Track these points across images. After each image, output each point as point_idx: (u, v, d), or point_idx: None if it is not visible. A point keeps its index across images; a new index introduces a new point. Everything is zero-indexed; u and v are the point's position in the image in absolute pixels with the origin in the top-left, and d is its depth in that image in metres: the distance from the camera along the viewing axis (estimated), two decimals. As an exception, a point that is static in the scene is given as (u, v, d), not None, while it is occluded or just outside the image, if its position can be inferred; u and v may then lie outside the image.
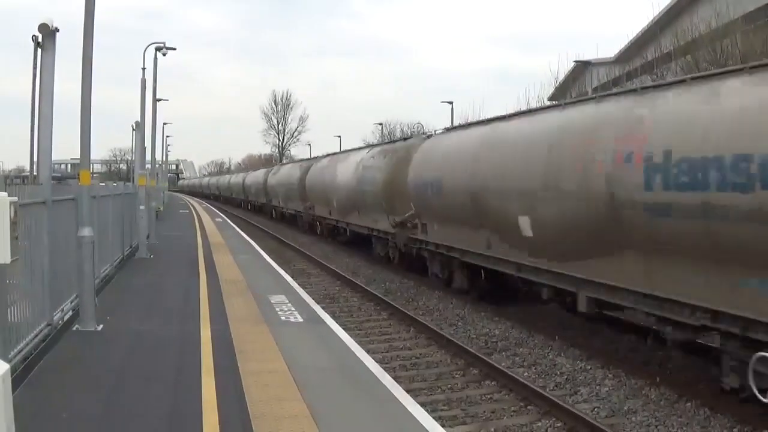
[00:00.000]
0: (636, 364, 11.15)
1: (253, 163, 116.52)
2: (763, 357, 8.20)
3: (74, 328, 10.61)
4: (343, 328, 11.53)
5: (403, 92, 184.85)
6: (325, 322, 11.65)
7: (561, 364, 11.34)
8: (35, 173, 11.53)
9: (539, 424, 8.83)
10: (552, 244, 12.23)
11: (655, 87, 10.74)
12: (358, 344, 10.32)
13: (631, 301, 10.47)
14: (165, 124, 57.70)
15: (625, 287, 10.42)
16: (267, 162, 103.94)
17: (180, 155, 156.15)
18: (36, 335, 9.08)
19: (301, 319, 11.75)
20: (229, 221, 41.56)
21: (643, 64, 33.31)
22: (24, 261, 8.20)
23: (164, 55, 29.26)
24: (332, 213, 29.96)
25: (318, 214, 33.61)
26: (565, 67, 45.56)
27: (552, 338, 12.83)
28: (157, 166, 38.85)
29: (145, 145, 28.52)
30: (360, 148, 32.49)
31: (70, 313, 11.19)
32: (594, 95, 14.09)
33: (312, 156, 51.08)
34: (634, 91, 11.06)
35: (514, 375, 10.44)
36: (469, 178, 15.20)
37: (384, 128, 73.13)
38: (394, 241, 21.07)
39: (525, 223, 12.77)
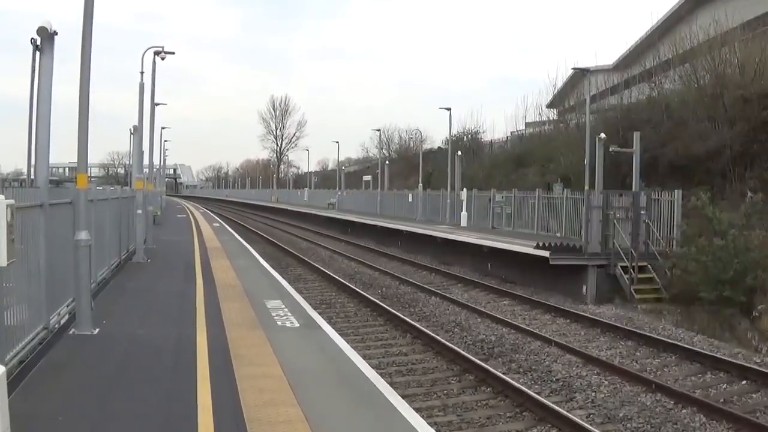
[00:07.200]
0: (632, 371, 11.16)
1: (250, 169, 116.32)
2: None
3: (71, 332, 10.58)
4: (340, 334, 11.51)
5: (402, 97, 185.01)
6: (321, 328, 11.63)
7: (557, 370, 11.35)
8: (32, 176, 11.53)
9: (534, 430, 8.85)
10: None
11: None
12: (354, 350, 10.31)
13: None
14: (163, 128, 57.71)
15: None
16: (265, 167, 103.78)
17: (177, 160, 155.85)
18: (32, 339, 9.08)
19: (297, 324, 11.73)
20: (226, 226, 41.54)
21: (642, 72, 33.44)
22: (21, 264, 8.20)
23: (162, 59, 29.26)
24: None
25: None
26: (564, 74, 45.80)
27: (548, 344, 12.83)
28: (155, 170, 38.84)
29: (143, 149, 28.52)
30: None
31: (67, 316, 11.17)
32: None
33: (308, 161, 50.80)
34: None
35: (509, 381, 10.45)
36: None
37: (382, 134, 73.27)
38: None
39: None
